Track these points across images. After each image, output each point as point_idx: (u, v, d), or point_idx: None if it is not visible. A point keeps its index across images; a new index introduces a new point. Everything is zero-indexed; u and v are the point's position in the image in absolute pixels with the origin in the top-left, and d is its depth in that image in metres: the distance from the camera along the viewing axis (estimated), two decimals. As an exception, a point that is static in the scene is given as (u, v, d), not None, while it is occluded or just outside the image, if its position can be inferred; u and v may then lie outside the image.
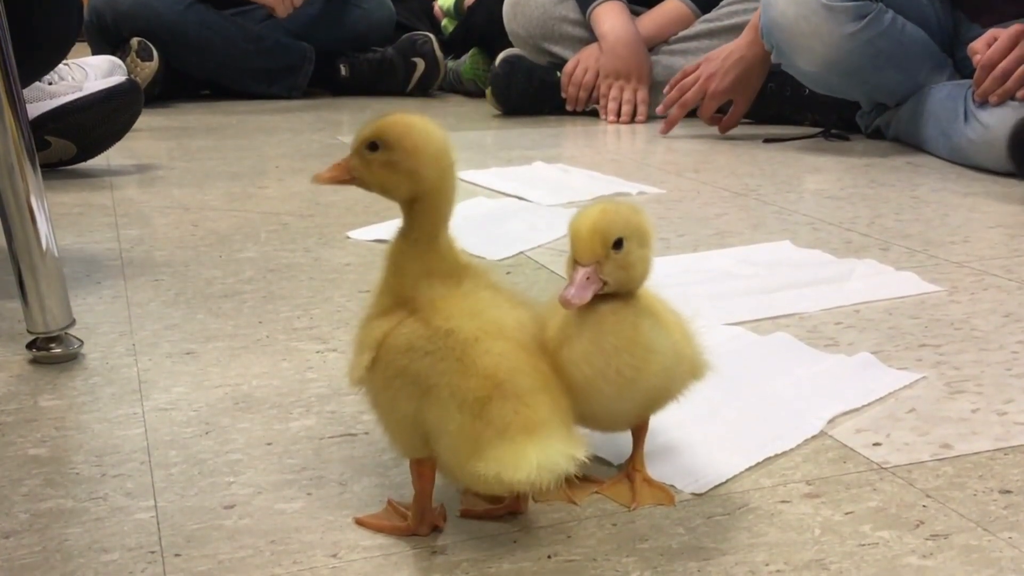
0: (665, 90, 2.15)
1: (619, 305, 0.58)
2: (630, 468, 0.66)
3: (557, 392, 0.57)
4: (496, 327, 0.57)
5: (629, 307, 0.59)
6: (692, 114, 2.15)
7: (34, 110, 1.62)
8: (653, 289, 0.63)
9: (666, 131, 2.13)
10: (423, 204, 0.58)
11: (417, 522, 0.61)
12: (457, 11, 2.96)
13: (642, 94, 2.34)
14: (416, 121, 0.58)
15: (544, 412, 0.55)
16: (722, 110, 2.12)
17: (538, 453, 0.54)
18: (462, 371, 0.55)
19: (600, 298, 0.58)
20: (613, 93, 2.35)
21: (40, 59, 1.42)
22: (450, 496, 0.65)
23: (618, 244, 0.57)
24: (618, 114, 2.35)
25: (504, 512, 0.63)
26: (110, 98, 1.70)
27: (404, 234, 0.59)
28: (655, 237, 0.60)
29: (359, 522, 0.62)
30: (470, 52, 2.87)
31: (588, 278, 0.56)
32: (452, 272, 0.59)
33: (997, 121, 1.66)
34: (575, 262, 0.58)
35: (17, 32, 1.14)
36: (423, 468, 0.60)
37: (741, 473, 0.68)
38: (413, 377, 0.56)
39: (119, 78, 1.76)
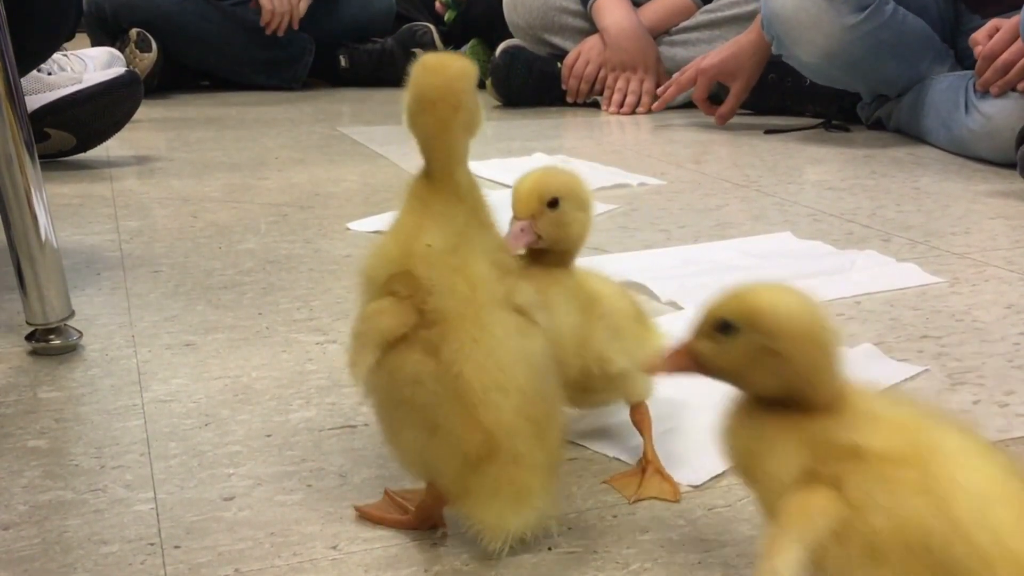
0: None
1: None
2: (643, 460, 0.66)
3: (551, 436, 0.57)
4: (505, 377, 0.55)
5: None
6: (694, 105, 2.15)
7: (33, 102, 1.62)
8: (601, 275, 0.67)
9: (658, 108, 2.18)
10: (436, 141, 0.58)
11: (419, 520, 0.61)
12: (457, 2, 2.95)
13: (648, 85, 2.33)
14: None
15: (534, 477, 0.55)
16: (719, 102, 2.11)
17: (518, 523, 0.55)
18: (467, 421, 0.54)
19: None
20: (619, 84, 2.35)
21: (35, 48, 1.41)
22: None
23: (553, 203, 0.63)
24: (620, 105, 2.34)
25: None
26: (110, 90, 1.70)
27: (423, 173, 0.59)
28: (593, 202, 0.66)
29: (360, 511, 0.62)
30: (470, 43, 2.87)
31: (522, 230, 0.63)
32: (473, 229, 0.58)
33: (998, 112, 1.65)
34: (514, 217, 0.63)
35: (12, 19, 1.14)
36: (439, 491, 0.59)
37: (742, 465, 0.68)
38: (419, 409, 0.56)
39: (119, 69, 1.75)
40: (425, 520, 0.61)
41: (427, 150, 0.58)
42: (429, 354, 0.55)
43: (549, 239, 0.64)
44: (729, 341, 0.47)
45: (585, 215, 0.65)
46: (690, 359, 0.49)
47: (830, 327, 0.48)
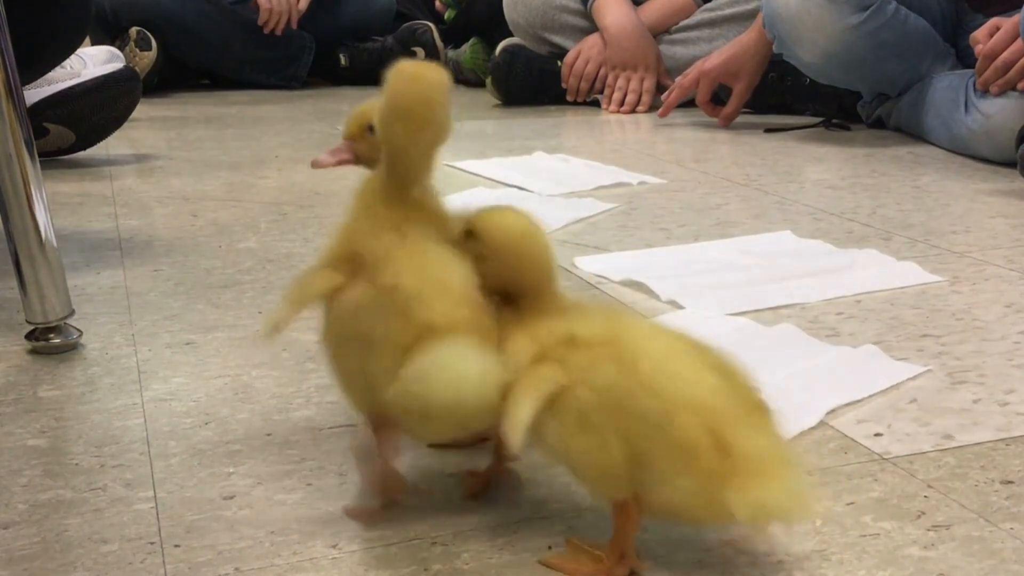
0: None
1: None
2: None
3: (493, 340, 0.58)
4: (440, 284, 0.57)
5: None
6: (694, 104, 2.14)
7: (31, 96, 1.62)
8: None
9: (663, 114, 2.14)
10: (402, 151, 0.59)
11: (378, 482, 0.62)
12: (457, 1, 2.95)
13: (648, 83, 2.33)
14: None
15: (476, 341, 0.56)
16: (722, 103, 2.11)
17: (465, 364, 0.55)
18: (404, 324, 0.56)
19: None
20: (619, 83, 2.34)
21: (56, 48, 1.42)
22: (443, 483, 0.65)
23: (373, 129, 0.64)
24: (621, 104, 2.34)
25: (471, 443, 0.65)
26: (108, 84, 1.70)
27: (378, 176, 0.61)
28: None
29: (348, 513, 0.63)
30: (470, 41, 2.86)
31: (339, 148, 0.66)
32: (413, 216, 0.60)
33: (998, 111, 1.65)
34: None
35: (35, 22, 1.14)
36: (384, 432, 0.61)
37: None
38: (363, 337, 0.58)
39: (117, 64, 1.75)
40: (385, 479, 0.62)
41: (392, 159, 0.59)
42: (369, 285, 0.58)
43: (366, 161, 0.66)
44: (469, 245, 0.59)
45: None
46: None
47: (538, 247, 0.58)
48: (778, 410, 0.55)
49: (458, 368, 0.55)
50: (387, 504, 0.62)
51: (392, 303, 0.56)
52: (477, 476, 0.65)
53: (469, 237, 0.59)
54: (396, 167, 0.59)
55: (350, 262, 0.59)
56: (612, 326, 0.56)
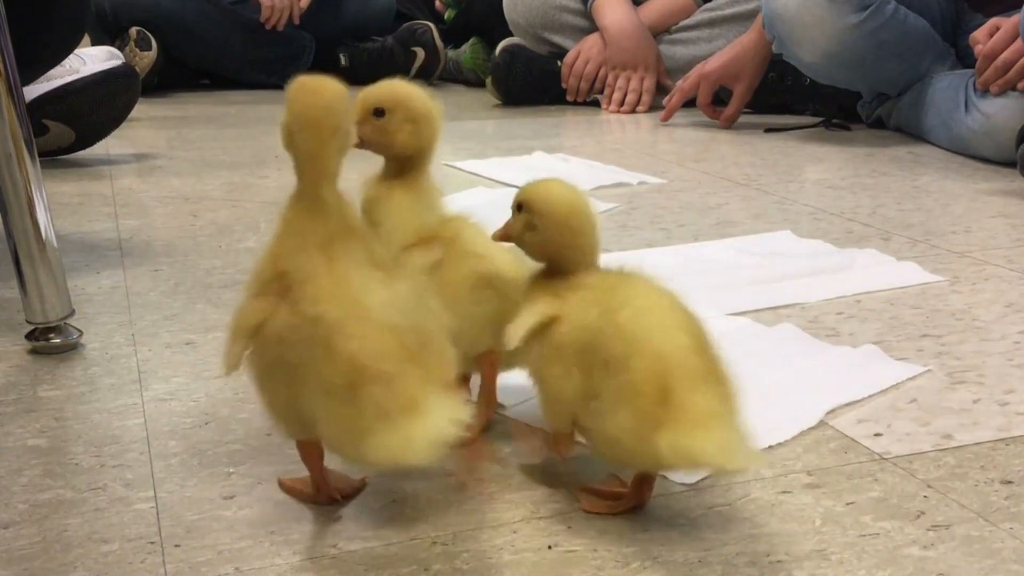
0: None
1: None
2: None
3: (429, 362, 0.57)
4: (361, 310, 0.57)
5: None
6: (694, 104, 2.14)
7: (31, 92, 1.61)
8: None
9: (665, 118, 2.14)
10: (312, 159, 0.60)
11: (315, 492, 0.64)
12: (457, 1, 2.95)
13: (648, 83, 2.33)
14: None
15: (416, 387, 0.56)
16: (723, 103, 2.11)
17: (425, 431, 0.54)
18: (328, 358, 0.56)
19: None
20: (619, 83, 2.34)
21: (55, 46, 1.42)
22: (442, 482, 0.64)
23: (378, 113, 0.69)
24: (621, 104, 2.34)
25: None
26: (107, 80, 1.70)
27: (295, 193, 0.61)
28: (436, 119, 0.70)
29: (281, 483, 0.66)
30: (470, 41, 2.86)
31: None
32: (339, 234, 0.60)
33: (998, 111, 1.65)
34: None
35: (33, 20, 1.14)
36: (308, 449, 0.62)
37: (742, 463, 0.68)
38: (288, 366, 0.57)
39: (115, 61, 1.75)
40: (320, 491, 0.63)
41: (301, 168, 0.60)
42: (291, 312, 0.57)
43: (373, 145, 0.69)
44: (519, 216, 0.64)
45: (415, 127, 0.69)
46: (506, 231, 0.65)
47: (584, 218, 0.63)
48: (739, 380, 0.59)
49: (429, 440, 0.54)
50: (331, 502, 0.64)
51: (315, 335, 0.56)
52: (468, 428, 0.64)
53: (520, 209, 0.64)
54: (308, 174, 0.60)
55: (278, 282, 0.59)
56: (616, 279, 0.62)
